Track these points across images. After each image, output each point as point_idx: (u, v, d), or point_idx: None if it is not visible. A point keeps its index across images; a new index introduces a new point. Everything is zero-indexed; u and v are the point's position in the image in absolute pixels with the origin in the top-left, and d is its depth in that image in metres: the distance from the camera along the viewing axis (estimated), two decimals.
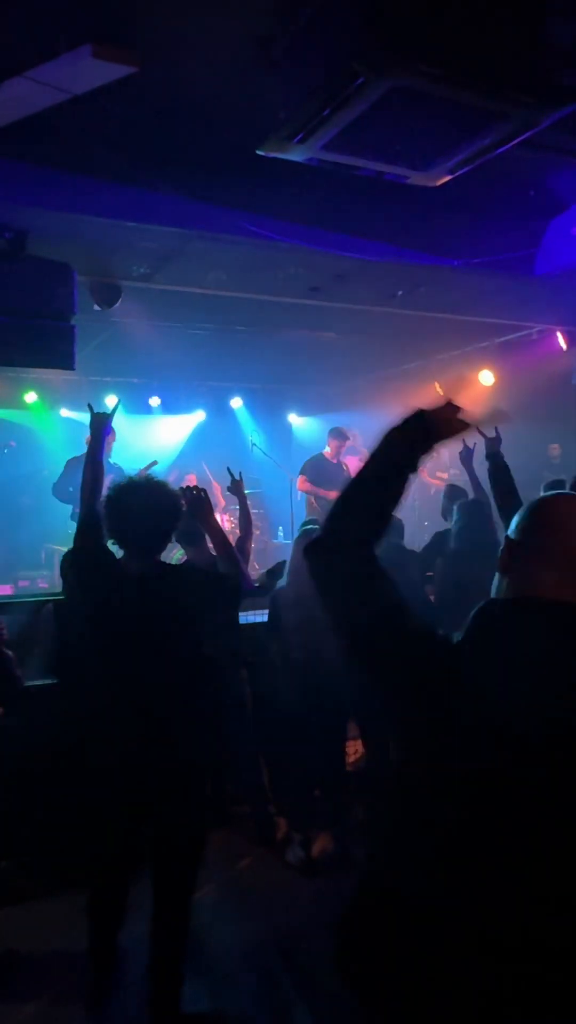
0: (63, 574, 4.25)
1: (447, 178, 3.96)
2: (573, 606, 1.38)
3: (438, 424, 1.56)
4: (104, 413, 3.48)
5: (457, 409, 1.58)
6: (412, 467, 1.55)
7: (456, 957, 1.28)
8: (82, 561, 3.18)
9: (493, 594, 1.53)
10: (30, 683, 3.86)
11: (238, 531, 4.18)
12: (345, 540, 1.55)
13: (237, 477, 4.01)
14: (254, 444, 10.13)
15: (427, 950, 1.31)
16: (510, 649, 1.37)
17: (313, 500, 8.51)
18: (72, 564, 3.26)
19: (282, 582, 4.36)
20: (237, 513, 7.31)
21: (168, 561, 3.39)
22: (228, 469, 4.08)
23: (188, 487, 3.43)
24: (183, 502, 3.21)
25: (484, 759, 1.30)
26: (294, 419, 11.63)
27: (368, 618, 1.48)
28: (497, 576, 1.53)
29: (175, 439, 11.40)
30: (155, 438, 11.10)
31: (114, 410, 3.54)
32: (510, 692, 1.31)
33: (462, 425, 1.59)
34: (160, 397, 10.95)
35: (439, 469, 9.55)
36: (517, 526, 1.52)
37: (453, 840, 1.32)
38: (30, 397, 10.22)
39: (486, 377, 9.15)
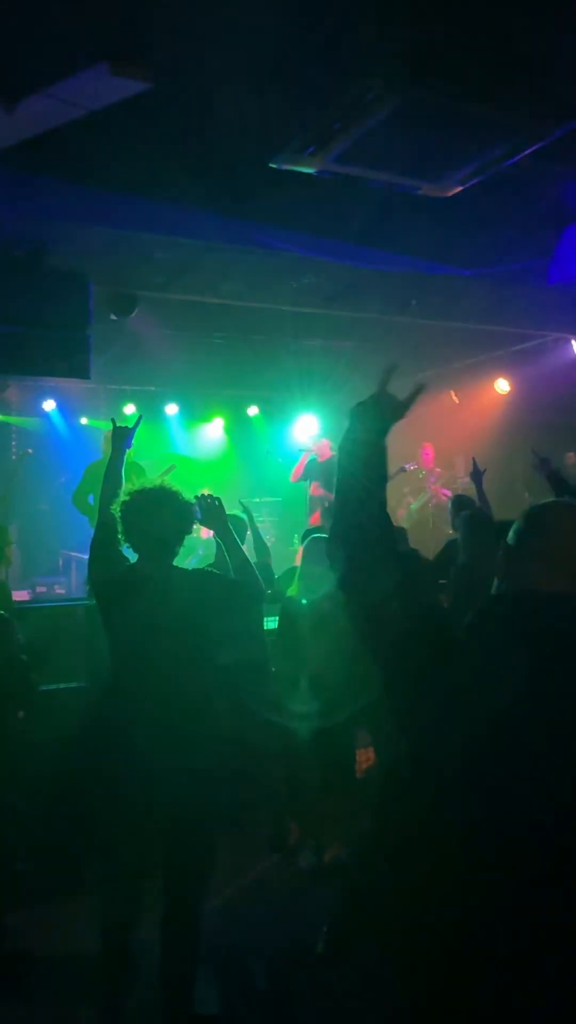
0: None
1: (458, 189, 4.00)
2: (566, 596, 1.47)
3: (382, 409, 1.72)
4: (126, 427, 3.54)
5: (390, 396, 1.74)
6: (379, 454, 1.68)
7: (457, 949, 1.30)
8: (98, 566, 3.23)
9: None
10: (50, 687, 3.93)
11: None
12: (352, 527, 1.63)
13: (244, 515, 4.06)
14: (269, 452, 10.19)
15: (424, 940, 1.33)
16: (511, 637, 1.43)
17: (326, 505, 8.63)
18: (88, 569, 3.32)
19: (293, 589, 4.39)
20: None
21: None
22: (240, 502, 4.12)
23: (203, 495, 3.46)
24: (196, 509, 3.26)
25: (486, 745, 1.34)
26: (307, 426, 11.68)
27: (383, 604, 1.53)
28: (496, 580, 1.59)
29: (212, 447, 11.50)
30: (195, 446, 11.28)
31: (136, 424, 3.60)
32: (512, 678, 1.36)
33: (401, 406, 1.74)
34: (177, 405, 11.03)
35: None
36: (513, 533, 1.60)
37: (454, 831, 1.35)
38: (48, 405, 10.34)
39: (501, 385, 9.17)
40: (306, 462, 8.90)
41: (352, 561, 1.60)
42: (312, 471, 8.81)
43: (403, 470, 8.89)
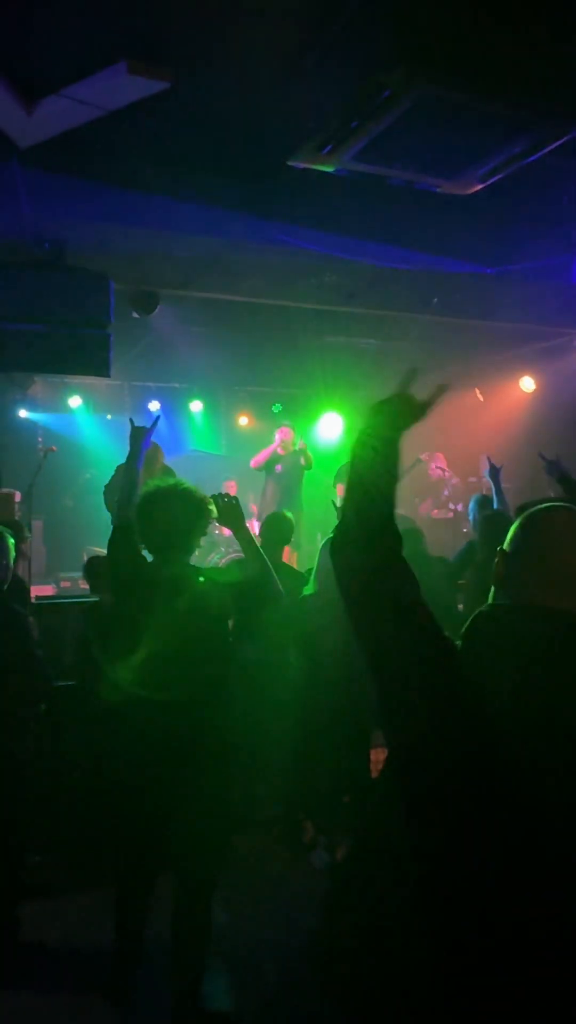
0: (87, 576, 4.35)
1: (478, 187, 3.97)
2: (566, 612, 1.40)
3: (403, 409, 1.68)
4: (143, 428, 3.55)
5: (411, 397, 1.70)
6: (394, 452, 1.64)
7: (445, 966, 1.29)
8: (114, 566, 3.26)
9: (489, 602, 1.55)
10: (67, 683, 3.97)
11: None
12: (358, 531, 1.60)
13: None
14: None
15: (408, 958, 1.32)
16: (505, 652, 1.39)
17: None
18: (106, 569, 3.34)
19: (309, 588, 4.39)
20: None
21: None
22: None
23: (220, 494, 3.46)
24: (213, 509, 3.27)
25: (477, 763, 1.32)
26: (330, 424, 11.65)
27: (381, 610, 1.52)
28: (493, 588, 1.55)
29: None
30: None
31: (153, 425, 3.61)
32: (505, 695, 1.33)
33: (421, 407, 1.70)
34: (201, 402, 11.06)
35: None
36: (511, 539, 1.55)
37: (442, 846, 1.34)
38: (74, 401, 10.42)
39: (527, 383, 9.08)
40: (271, 452, 8.59)
41: (359, 569, 1.58)
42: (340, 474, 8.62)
43: (419, 461, 8.77)
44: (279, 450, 8.55)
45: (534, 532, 1.52)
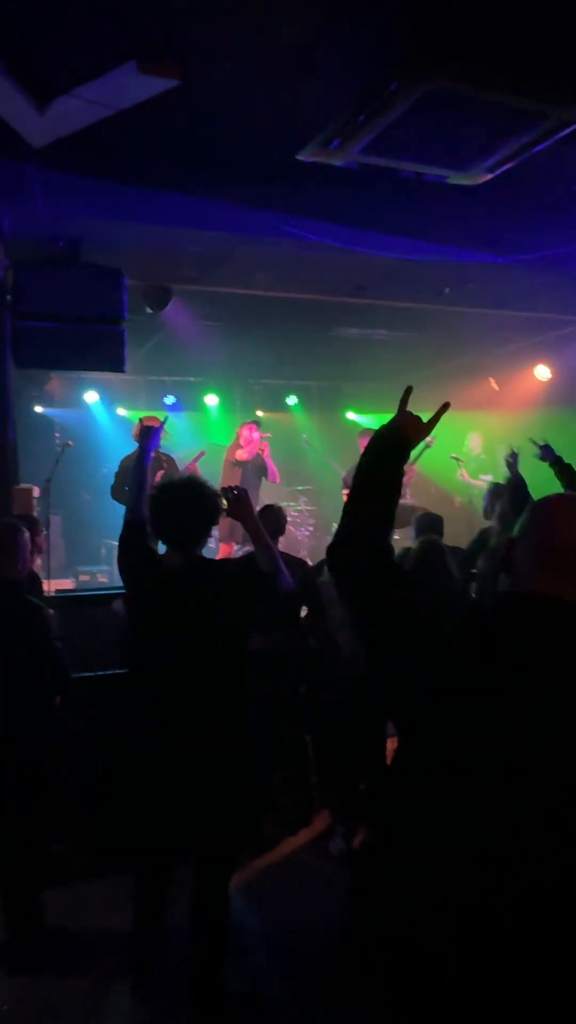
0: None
1: (487, 177, 3.97)
2: (562, 602, 1.40)
3: (407, 432, 1.74)
4: (152, 427, 3.66)
5: (416, 418, 1.76)
6: (397, 470, 1.71)
7: (459, 943, 1.32)
8: (125, 559, 3.31)
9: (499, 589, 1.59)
10: (86, 673, 4.03)
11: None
12: (358, 536, 1.66)
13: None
14: (308, 442, 10.18)
15: (428, 937, 1.35)
16: (497, 644, 1.40)
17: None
18: (117, 562, 3.40)
19: (325, 578, 4.42)
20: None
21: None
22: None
23: (229, 487, 3.51)
24: (223, 501, 3.32)
25: (472, 754, 1.34)
26: (352, 417, 11.68)
27: (377, 611, 1.56)
28: (502, 576, 1.59)
29: None
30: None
31: (162, 424, 3.71)
32: (496, 686, 1.34)
33: (423, 430, 1.77)
34: (216, 395, 11.10)
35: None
36: (519, 526, 1.57)
37: (447, 828, 1.36)
38: (91, 396, 10.49)
39: (542, 372, 9.04)
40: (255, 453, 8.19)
41: (355, 571, 1.63)
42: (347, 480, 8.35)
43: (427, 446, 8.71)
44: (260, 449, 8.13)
45: (534, 519, 1.53)
